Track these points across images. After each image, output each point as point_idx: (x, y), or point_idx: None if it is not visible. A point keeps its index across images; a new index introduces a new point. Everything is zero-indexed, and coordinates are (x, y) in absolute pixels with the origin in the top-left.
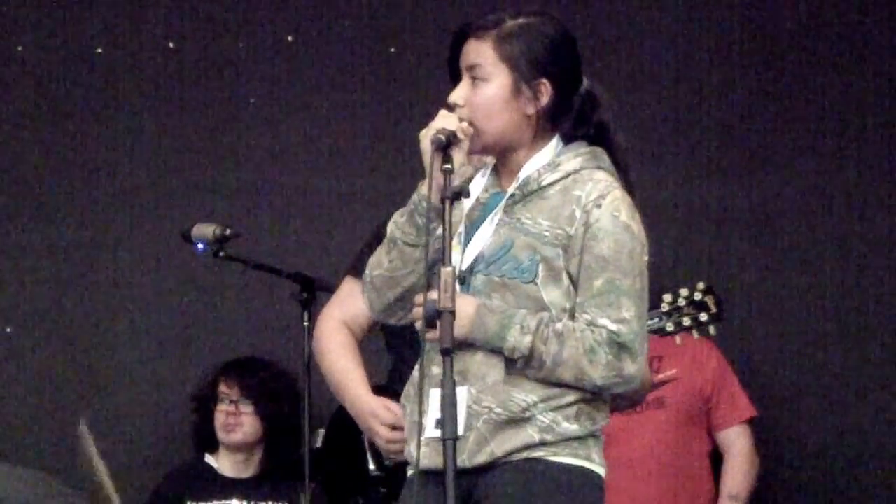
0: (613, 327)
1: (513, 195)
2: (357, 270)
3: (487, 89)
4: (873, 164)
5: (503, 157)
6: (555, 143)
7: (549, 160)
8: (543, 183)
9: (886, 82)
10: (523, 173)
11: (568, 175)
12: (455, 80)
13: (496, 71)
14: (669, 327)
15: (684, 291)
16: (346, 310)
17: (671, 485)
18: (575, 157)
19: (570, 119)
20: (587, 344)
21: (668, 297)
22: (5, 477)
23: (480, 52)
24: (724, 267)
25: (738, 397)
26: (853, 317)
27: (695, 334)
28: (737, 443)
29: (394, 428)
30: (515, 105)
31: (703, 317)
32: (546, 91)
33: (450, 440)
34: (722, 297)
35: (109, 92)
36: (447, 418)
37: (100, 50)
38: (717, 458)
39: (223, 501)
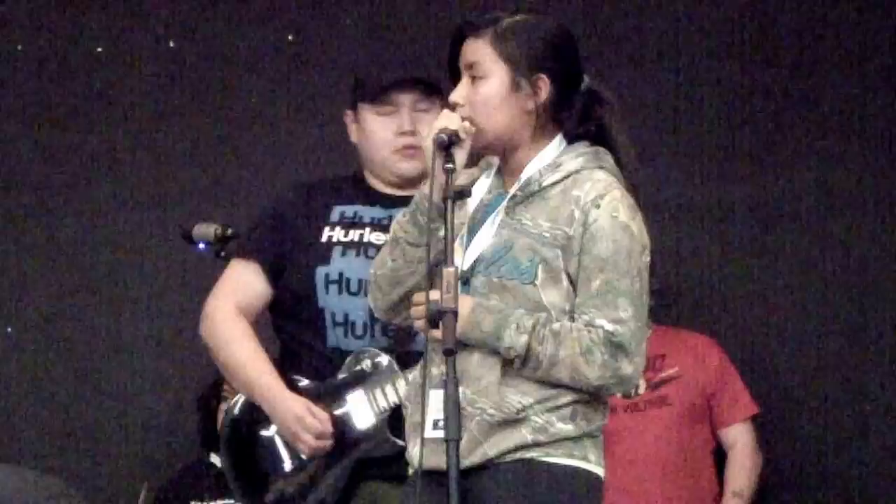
0: (610, 327)
1: (514, 196)
2: (244, 252)
3: (486, 87)
4: (874, 163)
5: (506, 157)
6: (557, 142)
7: (550, 160)
8: (545, 183)
9: (887, 82)
10: (525, 174)
11: (569, 175)
12: (455, 80)
13: (494, 68)
14: None
15: None
16: (237, 294)
17: (675, 483)
18: (576, 157)
19: (571, 117)
20: (584, 344)
21: None
22: (6, 477)
23: (478, 51)
24: (725, 266)
25: (741, 395)
26: (854, 315)
27: None
28: (740, 440)
29: (321, 436)
30: (514, 101)
31: None
32: (545, 86)
33: (453, 440)
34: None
35: (110, 91)
36: (450, 418)
37: (100, 49)
38: (720, 456)
39: (227, 500)
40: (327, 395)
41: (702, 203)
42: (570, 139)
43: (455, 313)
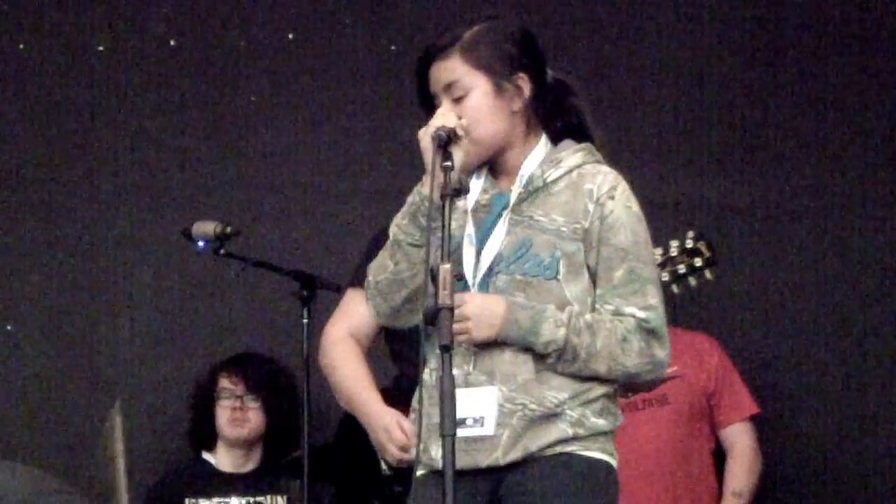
0: (642, 314)
1: (518, 195)
2: (358, 282)
3: (471, 101)
4: (875, 162)
5: (499, 158)
6: (544, 140)
7: (544, 157)
8: (549, 180)
9: (888, 80)
10: (524, 171)
11: (572, 170)
12: (426, 109)
13: (473, 80)
14: (665, 277)
15: (675, 242)
16: (350, 322)
17: (674, 482)
18: (575, 153)
19: (545, 108)
20: (619, 333)
21: (659, 250)
22: (5, 474)
23: (451, 70)
24: (726, 265)
25: (741, 394)
26: (854, 314)
27: (692, 282)
28: (739, 440)
29: (404, 448)
30: (501, 105)
31: (698, 262)
32: (525, 84)
33: (449, 437)
34: (714, 243)
35: (110, 90)
36: (446, 415)
37: (101, 48)
38: (720, 456)
39: (222, 497)
40: None
41: (701, 202)
42: (556, 136)
43: (451, 310)
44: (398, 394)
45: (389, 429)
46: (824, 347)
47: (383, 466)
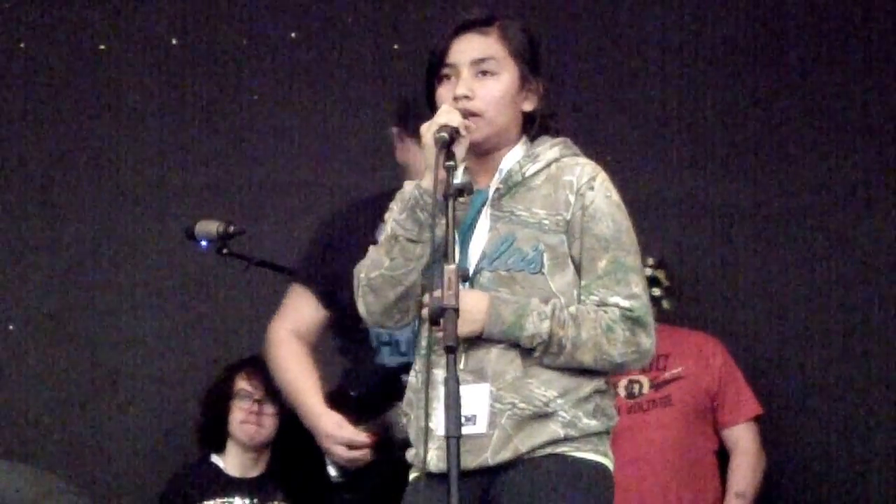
0: (626, 303)
1: (497, 189)
2: (303, 278)
3: (500, 82)
4: (877, 162)
5: (485, 156)
6: (524, 140)
7: (523, 154)
8: (527, 174)
9: (890, 80)
10: (504, 166)
11: (550, 164)
12: (434, 77)
13: (506, 64)
14: None
15: None
16: (296, 319)
17: (678, 483)
18: (552, 148)
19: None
20: (603, 323)
21: None
22: (7, 474)
23: (488, 45)
24: (728, 265)
25: (744, 395)
26: (857, 314)
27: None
28: (743, 440)
29: (351, 447)
30: (518, 100)
31: (656, 292)
32: (541, 89)
33: (453, 438)
34: (675, 271)
35: (112, 88)
36: (451, 417)
37: (103, 46)
38: (723, 456)
39: (228, 500)
40: (375, 403)
41: (705, 202)
42: (535, 134)
43: (456, 311)
44: (346, 393)
45: (330, 432)
46: (827, 348)
47: (332, 473)
